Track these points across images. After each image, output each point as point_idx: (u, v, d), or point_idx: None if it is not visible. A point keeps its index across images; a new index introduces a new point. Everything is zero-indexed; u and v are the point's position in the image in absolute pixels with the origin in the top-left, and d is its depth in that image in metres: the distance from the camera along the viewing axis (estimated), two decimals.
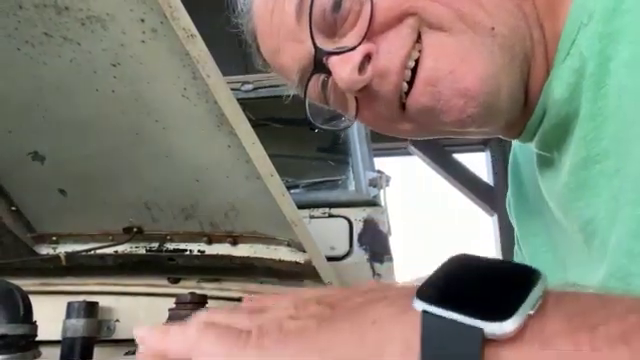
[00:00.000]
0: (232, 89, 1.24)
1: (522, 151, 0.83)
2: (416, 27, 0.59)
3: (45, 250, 1.55)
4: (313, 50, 0.62)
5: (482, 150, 6.71)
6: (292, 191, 2.07)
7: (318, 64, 0.63)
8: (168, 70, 1.06)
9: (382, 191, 2.15)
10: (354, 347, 0.34)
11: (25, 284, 1.17)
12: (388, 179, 2.38)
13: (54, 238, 1.55)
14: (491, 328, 0.31)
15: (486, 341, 0.31)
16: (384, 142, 6.18)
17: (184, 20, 0.95)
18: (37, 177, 1.37)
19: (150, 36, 1.03)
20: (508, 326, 0.31)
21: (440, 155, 6.38)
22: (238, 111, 1.06)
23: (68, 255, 1.51)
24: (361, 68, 0.60)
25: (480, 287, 0.33)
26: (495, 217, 6.13)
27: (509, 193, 0.87)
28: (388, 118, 0.66)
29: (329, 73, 0.63)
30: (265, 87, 2.26)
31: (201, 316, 0.42)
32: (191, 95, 1.09)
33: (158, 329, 0.42)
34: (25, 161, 1.32)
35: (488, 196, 6.25)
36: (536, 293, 0.33)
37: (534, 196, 0.77)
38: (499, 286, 0.33)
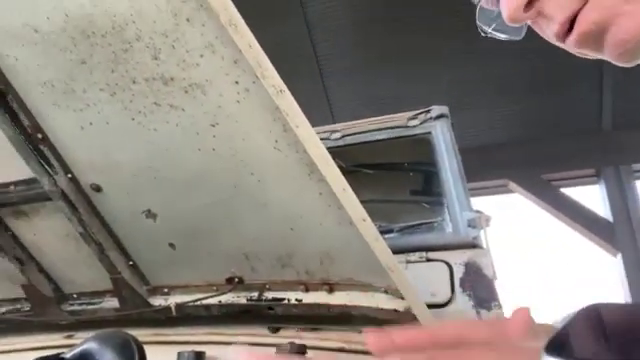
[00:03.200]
0: (321, 138, 1.28)
1: None
2: None
3: (158, 301, 1.66)
4: None
5: (595, 182, 6.13)
6: (386, 236, 2.03)
7: None
8: (261, 125, 1.13)
9: (482, 232, 2.03)
10: None
11: (139, 334, 1.25)
12: (488, 219, 2.25)
13: (165, 290, 1.66)
14: None
15: None
16: (481, 180, 5.91)
17: (273, 78, 1.02)
18: (150, 233, 1.50)
19: (244, 96, 1.11)
20: None
21: (545, 190, 5.93)
22: (327, 159, 1.08)
23: (178, 306, 1.60)
24: (528, 5, 0.61)
25: (615, 339, 0.30)
26: (619, 256, 5.47)
27: None
28: (554, 40, 0.66)
29: None
30: (353, 134, 2.30)
31: None
32: (282, 147, 1.14)
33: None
34: (140, 219, 1.46)
35: (607, 233, 5.63)
36: None
37: None
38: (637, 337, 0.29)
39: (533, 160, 6.00)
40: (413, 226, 2.18)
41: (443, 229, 2.11)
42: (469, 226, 1.96)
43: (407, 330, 0.46)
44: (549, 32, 0.63)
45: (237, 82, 1.09)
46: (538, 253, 6.00)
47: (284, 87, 1.02)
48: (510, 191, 6.16)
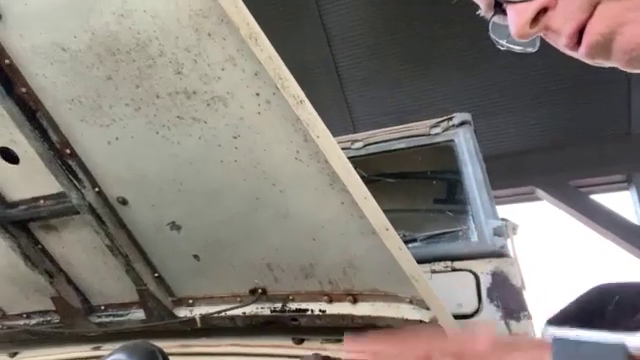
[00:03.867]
0: (342, 148, 1.28)
1: None
2: None
3: (183, 313, 1.68)
4: None
5: (625, 188, 5.94)
6: (410, 245, 2.01)
7: (497, 8, 0.66)
8: (282, 136, 1.14)
9: (509, 240, 1.98)
10: None
11: (165, 345, 1.26)
12: (515, 227, 2.20)
13: (190, 301, 1.67)
14: (634, 341, 0.27)
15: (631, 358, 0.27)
16: (506, 188, 5.80)
17: (293, 88, 1.02)
18: (175, 245, 1.51)
19: (265, 107, 1.12)
20: None
21: (574, 197, 5.77)
22: (349, 168, 1.08)
23: (203, 317, 1.61)
24: (534, 20, 0.62)
25: (620, 308, 0.33)
26: None
27: None
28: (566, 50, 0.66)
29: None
30: (375, 143, 2.30)
31: None
32: (303, 157, 1.14)
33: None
34: (165, 231, 1.48)
35: (639, 240, 5.44)
36: None
37: None
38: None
39: (560, 166, 5.86)
40: (437, 235, 2.15)
41: (468, 238, 2.07)
42: (495, 235, 1.92)
43: (382, 339, 0.51)
44: (559, 45, 0.64)
45: (258, 94, 1.10)
46: (568, 261, 5.84)
47: (304, 97, 1.02)
48: (537, 198, 6.02)
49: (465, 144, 2.20)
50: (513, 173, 5.72)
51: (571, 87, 5.61)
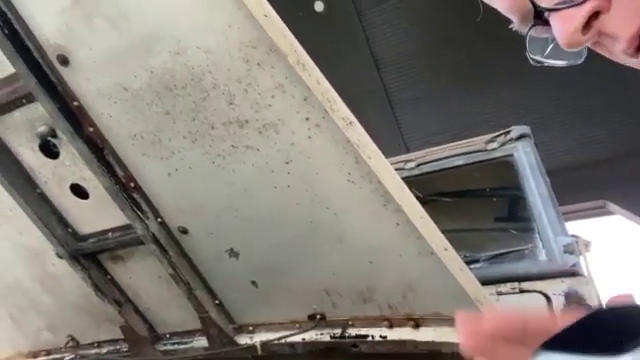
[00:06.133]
0: (395, 169, 1.26)
1: None
2: None
3: (244, 340, 1.69)
4: (530, 5, 0.58)
5: None
6: (472, 266, 1.92)
7: (538, 18, 0.59)
8: (333, 159, 1.14)
9: (582, 258, 1.85)
10: None
11: None
12: (587, 244, 2.06)
13: (250, 328, 1.68)
14: None
15: None
16: (574, 203, 5.47)
17: (342, 111, 1.03)
18: (233, 271, 1.54)
19: (315, 131, 1.13)
20: None
21: None
22: (402, 187, 1.06)
23: (263, 344, 1.61)
24: (586, 26, 0.54)
25: (607, 332, 0.34)
26: None
27: None
28: (622, 58, 0.58)
29: (549, 25, 0.58)
30: (429, 162, 2.25)
31: None
32: (356, 179, 1.13)
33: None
34: (223, 258, 1.51)
35: None
36: None
37: None
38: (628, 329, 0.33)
39: (634, 178, 5.45)
40: (502, 255, 2.05)
41: (536, 257, 1.96)
42: (566, 252, 1.80)
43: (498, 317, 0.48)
44: (616, 51, 0.56)
45: (307, 118, 1.12)
46: None
47: (353, 119, 1.02)
48: (609, 212, 5.62)
49: (525, 158, 2.11)
50: (581, 187, 5.39)
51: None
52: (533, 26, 0.60)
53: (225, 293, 1.63)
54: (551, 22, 0.57)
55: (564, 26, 0.55)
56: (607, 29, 0.54)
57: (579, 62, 0.65)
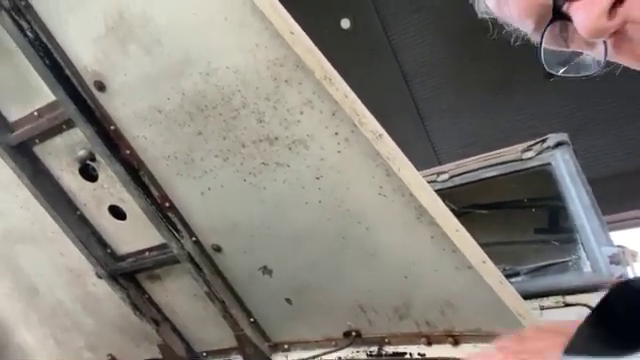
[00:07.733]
0: (428, 182, 1.23)
1: None
2: None
3: (279, 358, 1.67)
4: (549, 1, 0.56)
5: None
6: (512, 279, 1.85)
7: (557, 11, 0.56)
8: (363, 173, 1.13)
9: (629, 269, 1.76)
10: None
11: None
12: (635, 254, 1.96)
13: (286, 346, 1.67)
14: None
15: None
16: (618, 212, 5.23)
17: (371, 123, 1.02)
18: (267, 289, 1.54)
19: (344, 145, 1.13)
20: None
21: None
22: (435, 199, 1.04)
23: None
24: (611, 12, 0.52)
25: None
26: None
27: None
28: None
29: (569, 19, 0.56)
30: (462, 174, 2.20)
31: None
32: (387, 192, 1.12)
33: None
34: (257, 275, 1.51)
35: None
36: None
37: None
38: None
39: None
40: (544, 267, 1.97)
41: (580, 268, 1.87)
42: (612, 263, 1.72)
43: None
44: None
45: (337, 133, 1.12)
46: None
47: (382, 131, 1.02)
48: None
49: (565, 166, 2.03)
50: (625, 195, 5.15)
51: None
52: (551, 22, 0.58)
53: (260, 311, 1.63)
54: (572, 13, 0.55)
55: (588, 11, 0.53)
56: (634, 15, 0.52)
57: (600, 71, 0.62)
